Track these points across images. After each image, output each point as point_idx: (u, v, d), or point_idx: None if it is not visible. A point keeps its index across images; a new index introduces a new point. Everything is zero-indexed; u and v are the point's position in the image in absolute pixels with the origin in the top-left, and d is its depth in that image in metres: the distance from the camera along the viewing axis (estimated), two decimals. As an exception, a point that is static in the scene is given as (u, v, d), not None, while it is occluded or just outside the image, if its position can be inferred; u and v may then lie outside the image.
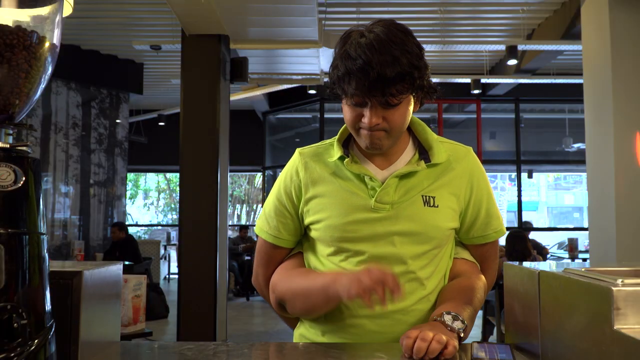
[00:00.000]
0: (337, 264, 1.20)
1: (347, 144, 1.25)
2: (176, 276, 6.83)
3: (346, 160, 1.19)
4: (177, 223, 9.33)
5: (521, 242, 4.74)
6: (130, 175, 17.20)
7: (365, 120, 1.10)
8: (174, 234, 12.67)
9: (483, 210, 1.24)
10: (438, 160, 1.20)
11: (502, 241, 5.07)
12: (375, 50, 1.04)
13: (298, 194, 1.24)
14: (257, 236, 1.32)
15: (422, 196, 1.18)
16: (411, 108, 1.15)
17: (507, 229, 6.73)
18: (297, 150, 1.29)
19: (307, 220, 1.23)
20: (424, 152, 1.22)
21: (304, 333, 1.27)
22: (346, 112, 1.14)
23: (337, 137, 1.25)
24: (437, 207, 1.18)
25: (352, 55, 1.06)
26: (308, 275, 1.20)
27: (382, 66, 1.03)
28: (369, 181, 1.18)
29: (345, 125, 1.24)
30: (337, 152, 1.21)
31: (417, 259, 1.18)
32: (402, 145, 1.23)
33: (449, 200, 1.20)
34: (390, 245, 1.17)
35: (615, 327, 0.68)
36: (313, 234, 1.23)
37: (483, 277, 1.26)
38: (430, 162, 1.19)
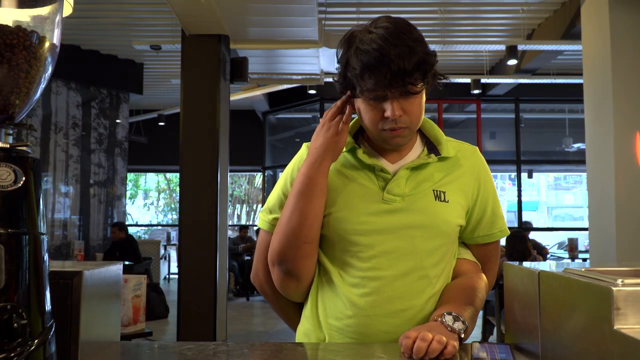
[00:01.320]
0: (344, 260, 1.18)
1: (356, 137, 1.25)
2: (176, 276, 6.83)
3: (358, 150, 1.19)
4: (177, 223, 9.33)
5: (521, 242, 4.73)
6: (130, 175, 17.20)
7: (389, 113, 1.09)
8: (174, 234, 12.67)
9: (489, 209, 1.24)
10: (447, 154, 1.20)
11: (502, 241, 5.07)
12: (390, 42, 1.05)
13: None
14: (257, 236, 1.31)
15: (434, 190, 1.18)
16: (424, 98, 1.16)
17: (509, 228, 6.76)
18: (305, 144, 1.28)
19: None
20: (432, 148, 1.23)
21: (306, 332, 1.25)
22: (365, 112, 1.13)
23: (347, 130, 1.24)
24: (448, 202, 1.18)
25: (367, 50, 1.06)
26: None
27: (401, 57, 1.05)
28: (380, 172, 1.18)
29: (354, 119, 1.24)
30: (348, 144, 1.21)
31: (429, 255, 1.17)
32: (412, 141, 1.23)
33: (458, 197, 1.20)
34: (402, 239, 1.16)
35: (615, 327, 0.68)
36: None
37: (485, 277, 1.26)
38: (440, 155, 1.20)
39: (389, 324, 1.14)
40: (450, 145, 1.23)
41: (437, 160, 1.20)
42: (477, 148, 1.29)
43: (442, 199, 1.18)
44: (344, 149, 1.21)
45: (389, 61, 1.04)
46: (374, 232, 1.16)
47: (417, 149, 1.23)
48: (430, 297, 1.17)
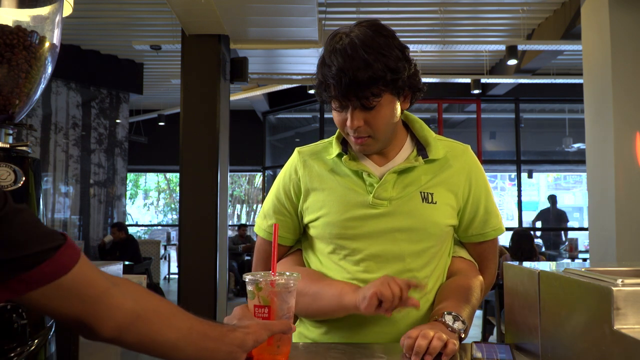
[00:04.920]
0: (336, 262, 1.21)
1: (345, 141, 1.25)
2: (176, 276, 6.83)
3: (344, 157, 1.20)
4: (177, 223, 9.32)
5: (528, 242, 4.73)
6: (130, 175, 17.19)
7: (347, 122, 1.12)
8: (174, 234, 12.66)
9: (481, 208, 1.24)
10: (436, 156, 1.20)
11: (506, 241, 5.07)
12: (348, 55, 1.07)
13: (297, 192, 1.25)
14: (256, 235, 1.33)
15: (421, 192, 1.19)
16: (395, 108, 1.15)
17: (510, 228, 6.70)
18: (296, 149, 1.30)
19: (306, 218, 1.24)
20: (422, 149, 1.23)
21: (303, 331, 1.27)
22: (334, 117, 1.18)
23: (335, 135, 1.26)
24: (436, 203, 1.19)
25: (328, 63, 1.10)
26: (320, 279, 1.19)
27: (354, 71, 1.06)
28: (367, 177, 1.19)
29: None
30: (335, 150, 1.22)
31: (417, 257, 1.18)
32: (400, 143, 1.24)
33: (447, 198, 1.20)
34: (389, 242, 1.17)
35: (615, 327, 0.68)
36: (312, 232, 1.24)
37: (480, 276, 1.26)
38: (427, 157, 1.20)
39: (378, 324, 1.17)
40: (440, 145, 1.23)
41: (424, 163, 1.20)
42: (468, 147, 1.28)
43: (430, 201, 1.18)
44: (333, 154, 1.22)
45: (342, 74, 1.06)
46: (361, 236, 1.17)
47: (406, 151, 1.23)
48: (420, 298, 1.18)
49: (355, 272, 1.18)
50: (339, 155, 1.21)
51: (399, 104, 1.15)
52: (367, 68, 1.06)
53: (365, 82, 1.06)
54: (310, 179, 1.23)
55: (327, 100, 1.14)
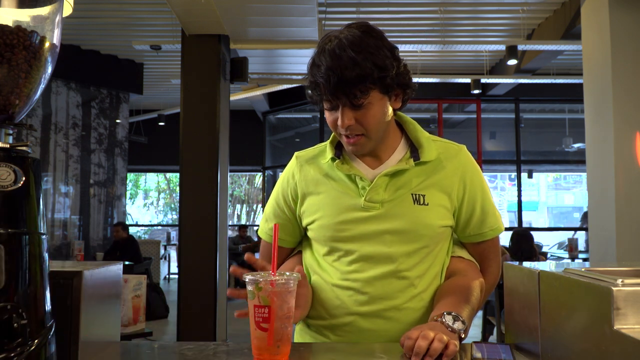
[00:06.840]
0: (330, 263, 1.24)
1: (340, 145, 1.27)
2: (176, 276, 6.83)
3: (336, 162, 1.22)
4: (177, 223, 9.32)
5: (527, 242, 4.73)
6: (130, 175, 17.19)
7: (339, 122, 1.13)
8: (174, 234, 12.66)
9: (478, 208, 1.24)
10: (427, 158, 1.21)
11: (507, 241, 5.07)
12: (336, 55, 1.08)
13: (294, 197, 1.28)
14: (258, 236, 1.35)
15: (412, 194, 1.19)
16: (386, 106, 1.16)
17: (510, 228, 6.66)
18: (295, 154, 1.33)
19: (304, 222, 1.27)
20: (415, 151, 1.23)
21: (304, 329, 1.30)
22: (327, 118, 1.19)
23: (330, 139, 1.28)
24: (427, 205, 1.19)
25: (317, 63, 1.12)
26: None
27: (342, 69, 1.07)
28: (359, 181, 1.20)
29: None
30: (329, 154, 1.24)
31: (408, 257, 1.19)
32: (394, 144, 1.24)
33: (440, 199, 1.21)
34: (381, 244, 1.18)
35: (615, 327, 0.68)
36: (310, 234, 1.27)
37: (481, 277, 1.26)
38: (419, 160, 1.20)
39: (373, 323, 1.18)
40: (433, 146, 1.23)
41: (415, 166, 1.20)
42: (463, 147, 1.28)
43: (422, 202, 1.19)
44: (327, 159, 1.24)
45: (330, 73, 1.08)
46: (353, 239, 1.20)
47: (399, 153, 1.24)
48: (413, 297, 1.19)
49: (347, 272, 1.21)
50: (332, 160, 1.23)
51: (389, 103, 1.16)
52: (354, 67, 1.07)
53: (352, 80, 1.07)
54: (306, 184, 1.26)
55: (318, 100, 1.15)
